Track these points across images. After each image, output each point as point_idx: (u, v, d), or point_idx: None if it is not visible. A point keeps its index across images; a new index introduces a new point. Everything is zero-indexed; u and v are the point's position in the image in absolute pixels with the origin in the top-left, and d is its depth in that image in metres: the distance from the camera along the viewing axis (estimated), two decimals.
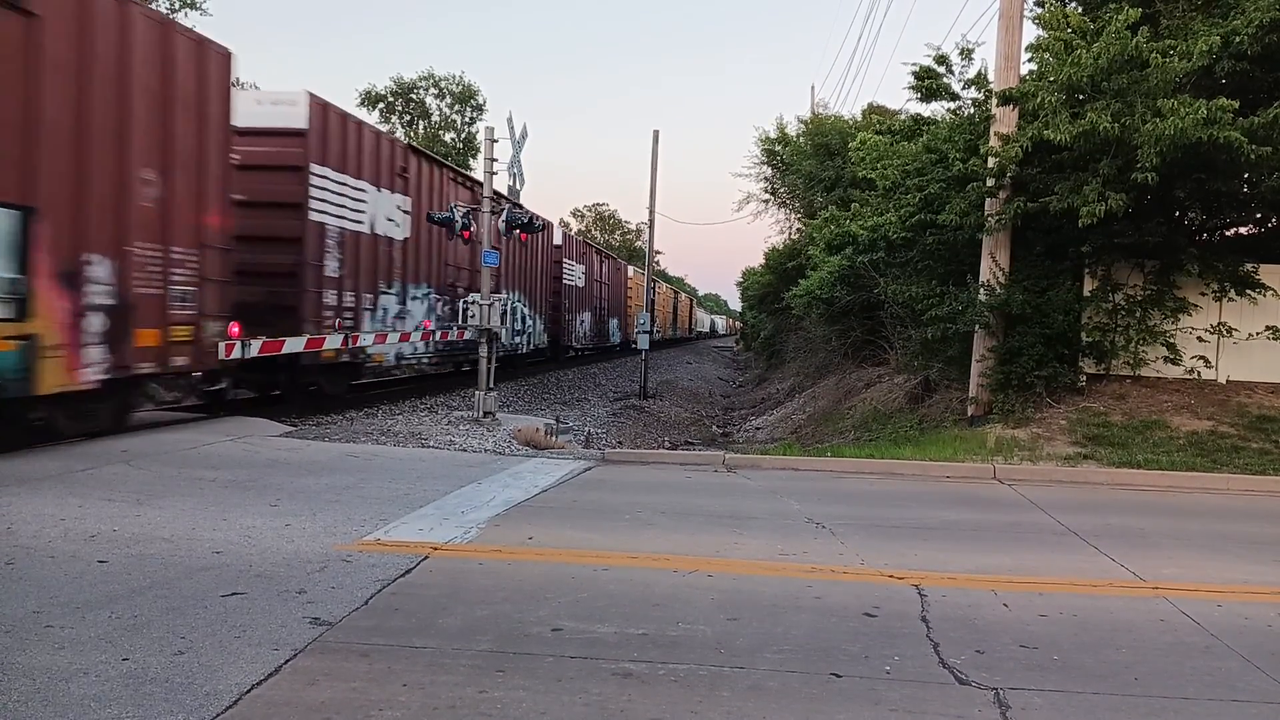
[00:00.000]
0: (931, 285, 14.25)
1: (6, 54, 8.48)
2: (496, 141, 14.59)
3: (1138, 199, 12.05)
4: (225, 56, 11.46)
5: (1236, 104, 10.70)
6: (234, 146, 11.81)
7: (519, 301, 24.58)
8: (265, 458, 9.70)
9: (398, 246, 16.82)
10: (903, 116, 18.77)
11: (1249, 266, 12.89)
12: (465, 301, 14.78)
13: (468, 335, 15.87)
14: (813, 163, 27.66)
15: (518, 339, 24.51)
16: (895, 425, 14.64)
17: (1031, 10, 13.55)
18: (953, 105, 15.33)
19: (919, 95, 14.92)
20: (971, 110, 14.88)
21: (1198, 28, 11.35)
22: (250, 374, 13.86)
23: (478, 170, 17.08)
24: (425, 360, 21.13)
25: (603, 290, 38.10)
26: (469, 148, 53.91)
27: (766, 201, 40.13)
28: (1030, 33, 13.22)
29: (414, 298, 17.71)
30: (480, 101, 55.81)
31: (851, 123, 27.27)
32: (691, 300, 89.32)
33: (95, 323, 9.52)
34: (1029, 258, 13.72)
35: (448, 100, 55.47)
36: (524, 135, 14.99)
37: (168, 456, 9.32)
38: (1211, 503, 9.38)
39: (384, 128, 54.89)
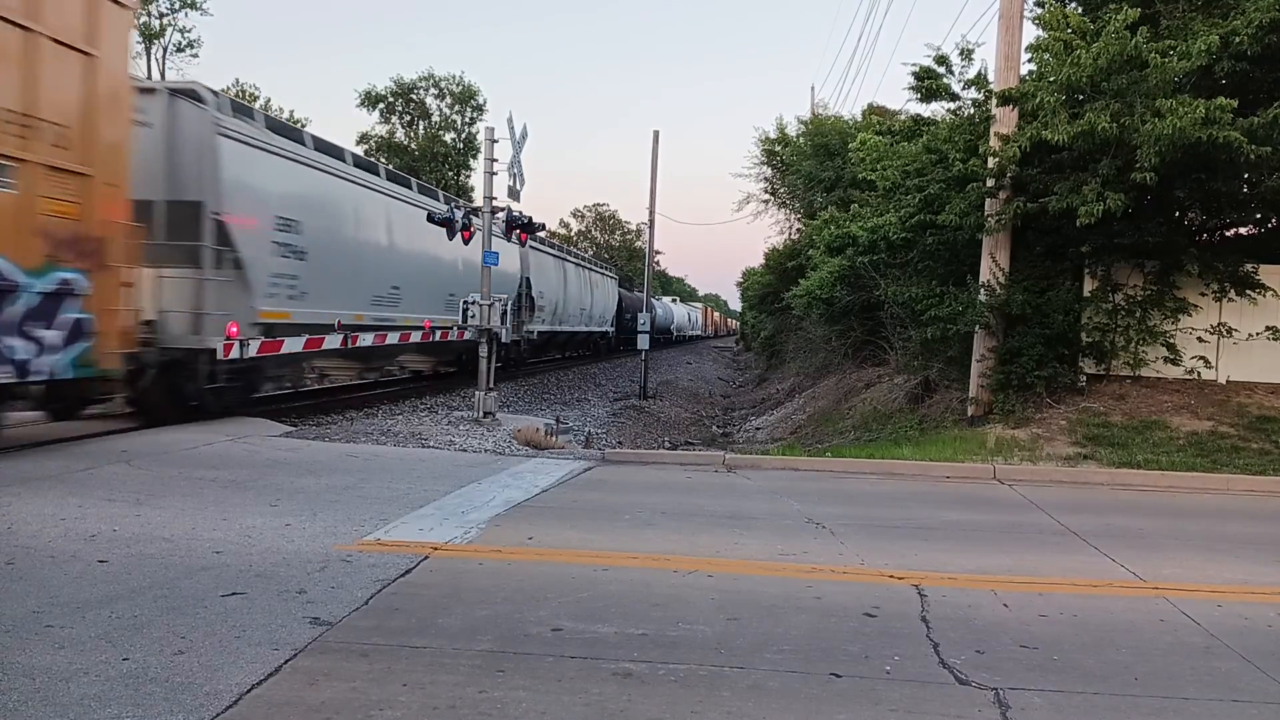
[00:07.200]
0: (931, 286, 14.23)
1: None
2: (497, 142, 14.56)
3: (1137, 199, 12.04)
4: None
5: (1236, 104, 10.69)
6: None
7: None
8: (265, 458, 9.71)
9: None
10: (903, 117, 18.77)
11: (1249, 267, 12.88)
12: (465, 301, 14.78)
13: (468, 335, 15.97)
14: (812, 163, 27.62)
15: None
16: (895, 425, 14.62)
17: (1031, 10, 13.52)
18: (953, 106, 15.29)
19: (919, 96, 14.89)
20: (971, 111, 14.85)
21: (1197, 28, 11.34)
22: None
23: (478, 171, 17.39)
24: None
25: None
26: (469, 148, 53.93)
27: (766, 202, 40.11)
28: (1030, 33, 13.21)
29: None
30: (480, 102, 55.88)
31: (851, 123, 27.23)
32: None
33: None
34: (1029, 258, 13.71)
35: (448, 100, 55.50)
36: (524, 135, 14.98)
37: (167, 456, 9.33)
38: (1211, 503, 9.38)
39: (384, 128, 54.96)
